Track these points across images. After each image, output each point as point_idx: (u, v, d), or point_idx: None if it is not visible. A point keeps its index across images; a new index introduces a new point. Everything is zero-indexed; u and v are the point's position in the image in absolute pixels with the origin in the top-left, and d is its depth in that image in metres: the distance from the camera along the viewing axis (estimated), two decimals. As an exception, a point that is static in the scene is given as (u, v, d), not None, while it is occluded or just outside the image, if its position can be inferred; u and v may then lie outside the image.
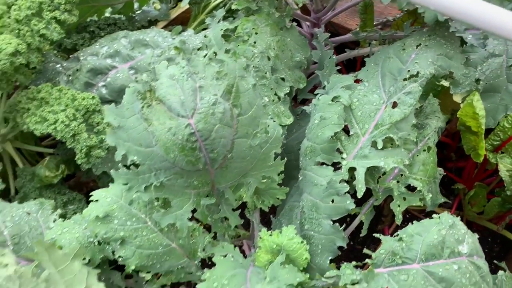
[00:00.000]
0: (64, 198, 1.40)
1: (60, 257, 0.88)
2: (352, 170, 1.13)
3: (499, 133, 1.39)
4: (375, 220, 1.56)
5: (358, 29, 1.78)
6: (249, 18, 1.36)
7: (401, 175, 1.21)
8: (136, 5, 1.92)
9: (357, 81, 1.30)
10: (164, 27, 1.88)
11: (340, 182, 1.06)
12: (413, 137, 1.17)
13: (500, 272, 1.11)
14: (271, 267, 0.99)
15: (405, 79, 1.20)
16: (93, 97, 1.28)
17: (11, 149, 1.51)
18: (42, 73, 1.46)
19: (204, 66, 0.87)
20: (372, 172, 1.21)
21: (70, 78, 1.43)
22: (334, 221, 1.05)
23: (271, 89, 1.25)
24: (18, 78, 1.33)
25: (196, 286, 0.91)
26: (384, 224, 1.67)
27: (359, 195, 1.10)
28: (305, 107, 1.27)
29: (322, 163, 1.12)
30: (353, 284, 0.93)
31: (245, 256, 1.07)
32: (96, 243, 1.01)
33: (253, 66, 1.22)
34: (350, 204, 1.04)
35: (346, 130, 1.20)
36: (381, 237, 0.99)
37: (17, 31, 1.28)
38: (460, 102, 1.34)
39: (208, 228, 1.10)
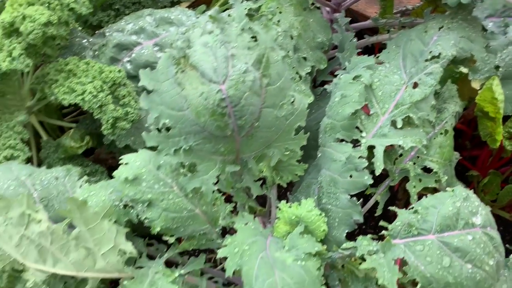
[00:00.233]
0: (87, 169, 1.44)
1: (91, 215, 0.92)
2: (370, 149, 1.16)
3: (517, 120, 1.40)
4: (388, 203, 1.58)
5: (377, 16, 1.79)
6: (273, -3, 1.38)
7: (418, 157, 1.23)
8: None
9: (378, 63, 1.32)
10: (188, 8, 1.91)
11: (358, 158, 1.09)
12: (432, 117, 1.19)
13: (512, 255, 1.13)
14: (290, 236, 1.02)
15: (426, 60, 1.21)
16: (119, 70, 1.31)
17: (35, 121, 1.55)
18: (69, 48, 1.50)
19: (237, 36, 0.90)
20: (389, 153, 1.23)
21: (96, 53, 1.47)
22: (351, 196, 1.08)
23: (293, 67, 1.27)
24: (46, 51, 1.37)
25: (218, 250, 0.95)
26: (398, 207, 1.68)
27: (377, 172, 1.12)
28: (326, 86, 1.30)
29: (342, 140, 1.15)
30: (370, 255, 0.96)
31: (262, 230, 1.09)
32: (122, 207, 1.05)
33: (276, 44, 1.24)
34: (368, 180, 1.07)
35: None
36: (396, 209, 1.02)
37: (47, 4, 1.31)
38: (478, 88, 1.35)
39: (228, 201, 1.13)
